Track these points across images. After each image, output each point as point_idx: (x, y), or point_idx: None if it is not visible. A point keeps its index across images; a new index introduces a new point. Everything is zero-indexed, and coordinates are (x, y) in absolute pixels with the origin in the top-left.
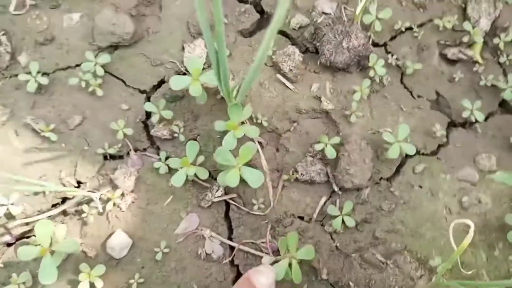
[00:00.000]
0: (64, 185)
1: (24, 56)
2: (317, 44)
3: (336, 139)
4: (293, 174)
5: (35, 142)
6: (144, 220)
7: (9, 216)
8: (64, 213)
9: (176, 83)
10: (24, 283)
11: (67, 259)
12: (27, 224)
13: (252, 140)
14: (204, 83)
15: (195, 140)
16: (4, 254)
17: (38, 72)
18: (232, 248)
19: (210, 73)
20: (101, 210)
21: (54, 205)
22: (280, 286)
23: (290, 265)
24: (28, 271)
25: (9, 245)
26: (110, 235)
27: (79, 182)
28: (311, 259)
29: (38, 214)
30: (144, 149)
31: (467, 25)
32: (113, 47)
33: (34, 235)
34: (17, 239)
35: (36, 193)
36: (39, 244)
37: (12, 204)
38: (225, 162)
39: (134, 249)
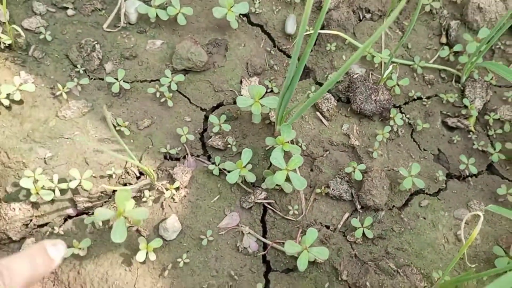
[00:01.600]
0: (128, 173)
1: (109, 64)
2: (350, 94)
3: (362, 166)
4: (325, 188)
5: (107, 134)
6: (192, 212)
7: (75, 193)
8: None
9: (242, 101)
10: (81, 249)
11: None
12: (90, 201)
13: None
14: (262, 105)
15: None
16: (64, 224)
17: (121, 79)
18: (265, 246)
19: (268, 98)
20: (165, 193)
21: (115, 191)
22: (302, 282)
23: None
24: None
25: (69, 217)
26: (162, 220)
27: (140, 173)
28: (325, 258)
29: (101, 195)
30: (198, 156)
31: (465, 102)
32: (185, 71)
33: (93, 212)
34: (78, 214)
35: (102, 177)
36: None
37: (85, 179)
38: (278, 165)
39: (181, 235)
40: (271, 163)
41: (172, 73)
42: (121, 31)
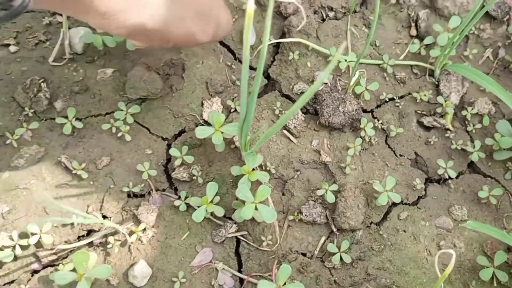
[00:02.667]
0: (90, 219)
1: (59, 102)
2: (317, 107)
3: (335, 187)
4: (297, 215)
5: (65, 179)
6: (162, 252)
7: (38, 245)
8: (90, 244)
9: (201, 132)
10: None
11: (91, 286)
12: (55, 253)
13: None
14: (223, 133)
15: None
16: (30, 280)
17: (73, 117)
18: (242, 280)
19: (229, 125)
20: (128, 239)
21: (79, 237)
22: None
23: None
24: None
25: (35, 272)
26: (131, 266)
27: (104, 217)
28: None
29: (65, 245)
30: (164, 190)
31: (440, 99)
32: (141, 100)
33: (60, 264)
34: (43, 267)
35: (64, 225)
36: (73, 270)
37: (45, 233)
38: (244, 198)
39: (152, 279)
40: None
41: (127, 104)
42: (68, 63)
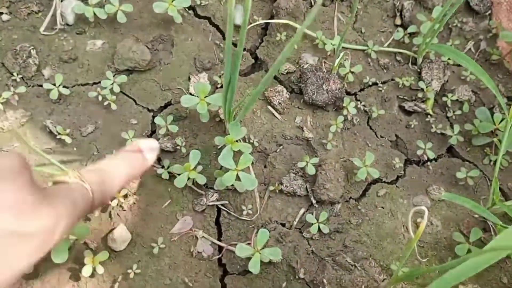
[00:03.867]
0: None
1: (48, 69)
2: (302, 85)
3: (315, 160)
4: (278, 185)
5: (49, 144)
6: (143, 219)
7: None
8: None
9: (186, 101)
10: None
11: (69, 248)
12: None
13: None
14: (208, 103)
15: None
16: None
17: (60, 84)
18: (221, 248)
19: (214, 95)
20: (111, 202)
21: None
22: (259, 283)
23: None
24: None
25: None
26: (110, 231)
27: None
28: (278, 258)
29: None
30: None
31: (421, 85)
32: (129, 71)
33: None
34: None
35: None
36: None
37: None
38: (227, 165)
39: (132, 244)
40: None
41: (114, 74)
42: (58, 33)
